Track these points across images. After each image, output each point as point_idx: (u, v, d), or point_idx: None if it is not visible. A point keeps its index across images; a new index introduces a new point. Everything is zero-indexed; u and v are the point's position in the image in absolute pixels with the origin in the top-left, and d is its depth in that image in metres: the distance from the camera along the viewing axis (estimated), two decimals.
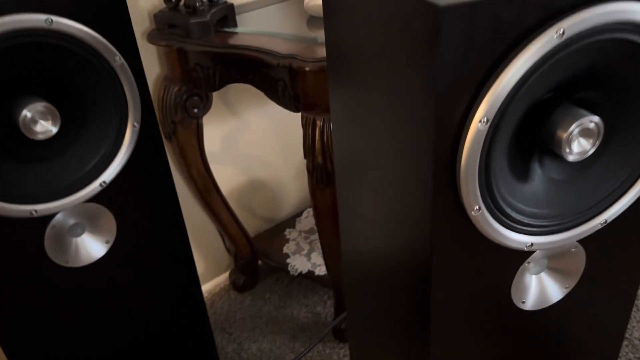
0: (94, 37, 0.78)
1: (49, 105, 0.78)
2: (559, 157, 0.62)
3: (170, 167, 1.37)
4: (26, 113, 0.76)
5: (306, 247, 1.52)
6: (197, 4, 1.14)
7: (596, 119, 0.59)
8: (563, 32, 0.51)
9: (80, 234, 0.91)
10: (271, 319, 1.51)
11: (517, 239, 0.64)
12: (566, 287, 0.75)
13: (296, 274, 1.47)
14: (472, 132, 0.55)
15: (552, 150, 0.61)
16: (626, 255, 0.75)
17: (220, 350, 1.42)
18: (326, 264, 1.24)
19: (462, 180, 0.58)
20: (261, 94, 1.13)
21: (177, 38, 1.15)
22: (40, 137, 0.79)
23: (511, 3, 0.49)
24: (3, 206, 0.80)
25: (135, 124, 0.86)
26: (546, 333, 0.79)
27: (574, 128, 0.58)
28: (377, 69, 0.62)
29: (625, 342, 1.36)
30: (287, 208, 1.72)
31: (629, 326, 1.37)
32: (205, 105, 1.29)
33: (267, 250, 1.56)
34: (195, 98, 1.26)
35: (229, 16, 1.21)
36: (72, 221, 0.89)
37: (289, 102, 1.06)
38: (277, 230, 1.62)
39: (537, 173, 0.64)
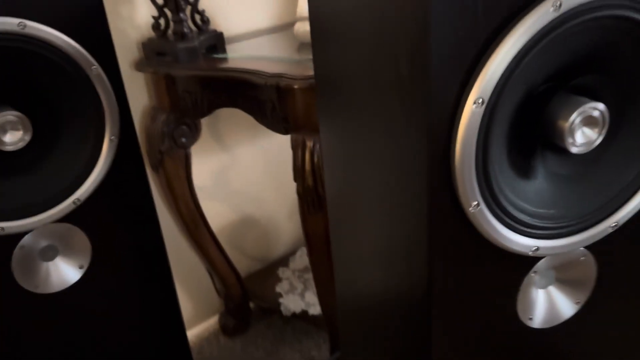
0: (69, 44, 0.74)
1: (20, 114, 0.74)
2: (563, 151, 0.58)
3: (157, 200, 1.34)
4: None
5: (300, 286, 1.45)
6: (185, 30, 1.13)
7: (600, 106, 0.55)
8: (560, 5, 0.49)
9: (52, 258, 0.85)
10: None
11: (521, 242, 0.59)
12: (577, 302, 0.69)
13: (289, 314, 1.40)
14: (466, 114, 0.50)
15: (555, 144, 0.57)
16: None
17: None
18: (319, 298, 1.17)
19: (457, 171, 0.53)
20: (252, 127, 1.10)
21: (165, 64, 1.13)
22: (10, 148, 0.75)
23: None
24: None
25: (112, 137, 0.81)
26: (558, 356, 0.71)
27: (576, 117, 0.55)
28: (367, 74, 0.59)
29: None
30: (280, 248, 1.65)
31: None
32: (194, 135, 1.25)
33: (258, 290, 1.49)
34: (184, 127, 1.23)
35: (218, 45, 1.20)
36: (43, 243, 0.83)
37: (278, 123, 1.03)
38: (270, 270, 1.55)
39: (541, 170, 0.60)
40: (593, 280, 0.67)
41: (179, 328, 1.06)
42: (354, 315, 0.86)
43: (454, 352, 0.65)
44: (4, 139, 0.73)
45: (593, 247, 0.65)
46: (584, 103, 0.54)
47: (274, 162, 1.53)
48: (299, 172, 1.01)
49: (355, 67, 0.61)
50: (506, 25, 0.49)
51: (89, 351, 0.94)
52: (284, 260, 1.58)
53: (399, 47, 0.52)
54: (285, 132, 1.03)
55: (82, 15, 0.76)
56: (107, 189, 0.83)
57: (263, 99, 1.03)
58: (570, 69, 0.55)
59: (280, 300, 1.41)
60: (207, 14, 1.19)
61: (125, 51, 1.20)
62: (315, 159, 0.99)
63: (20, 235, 0.81)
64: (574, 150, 0.56)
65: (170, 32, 1.16)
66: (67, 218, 0.82)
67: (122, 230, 0.90)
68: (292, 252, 1.61)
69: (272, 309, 1.46)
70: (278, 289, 1.46)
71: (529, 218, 0.58)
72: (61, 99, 0.78)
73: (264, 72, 0.99)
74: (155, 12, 1.15)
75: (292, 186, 1.04)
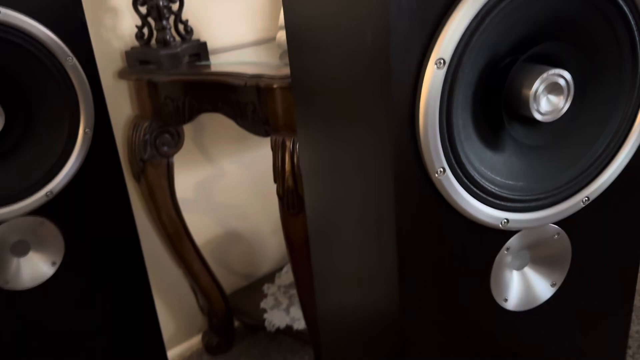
0: (44, 34, 0.75)
1: None
2: (530, 122, 0.58)
3: (140, 211, 1.32)
4: None
5: (285, 301, 1.42)
6: (168, 38, 1.14)
7: (564, 72, 0.55)
8: None
9: (24, 253, 0.83)
10: None
11: (491, 213, 0.58)
12: (553, 284, 0.67)
13: (273, 329, 1.36)
14: (429, 75, 0.50)
15: (523, 115, 0.57)
16: (617, 244, 0.67)
17: None
18: (302, 305, 1.14)
19: (422, 134, 0.53)
20: (236, 139, 1.10)
21: (148, 71, 1.14)
22: None
23: None
24: None
25: (87, 130, 0.81)
26: (537, 341, 0.69)
27: (539, 83, 0.55)
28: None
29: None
30: (266, 264, 1.63)
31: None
32: (177, 143, 1.25)
33: (243, 307, 1.46)
34: (166, 135, 1.23)
35: (201, 53, 1.21)
36: (14, 237, 0.81)
37: (259, 126, 1.03)
38: (255, 287, 1.52)
39: (510, 142, 0.59)
40: (568, 260, 0.66)
41: (158, 340, 1.04)
42: (336, 331, 0.84)
43: (427, 334, 0.63)
44: None
45: (566, 225, 0.64)
46: (547, 70, 0.54)
47: (258, 175, 1.53)
48: (278, 173, 1.00)
49: (326, 59, 0.61)
50: None
51: (60, 354, 0.91)
52: (269, 277, 1.55)
53: (364, 15, 0.52)
54: (265, 134, 1.03)
55: (59, 5, 0.77)
56: (81, 183, 0.82)
57: (244, 102, 1.03)
58: (533, 39, 0.56)
59: (265, 315, 1.38)
60: (192, 25, 1.21)
61: (109, 61, 1.20)
62: (295, 160, 0.98)
63: None
64: (539, 117, 0.56)
65: (153, 40, 1.17)
66: (39, 211, 0.81)
67: (96, 225, 0.88)
68: (279, 269, 1.58)
69: (256, 325, 1.43)
70: (263, 304, 1.43)
71: (498, 189, 0.58)
72: (36, 89, 0.77)
73: (244, 73, 1.00)
74: (139, 22, 1.17)
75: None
